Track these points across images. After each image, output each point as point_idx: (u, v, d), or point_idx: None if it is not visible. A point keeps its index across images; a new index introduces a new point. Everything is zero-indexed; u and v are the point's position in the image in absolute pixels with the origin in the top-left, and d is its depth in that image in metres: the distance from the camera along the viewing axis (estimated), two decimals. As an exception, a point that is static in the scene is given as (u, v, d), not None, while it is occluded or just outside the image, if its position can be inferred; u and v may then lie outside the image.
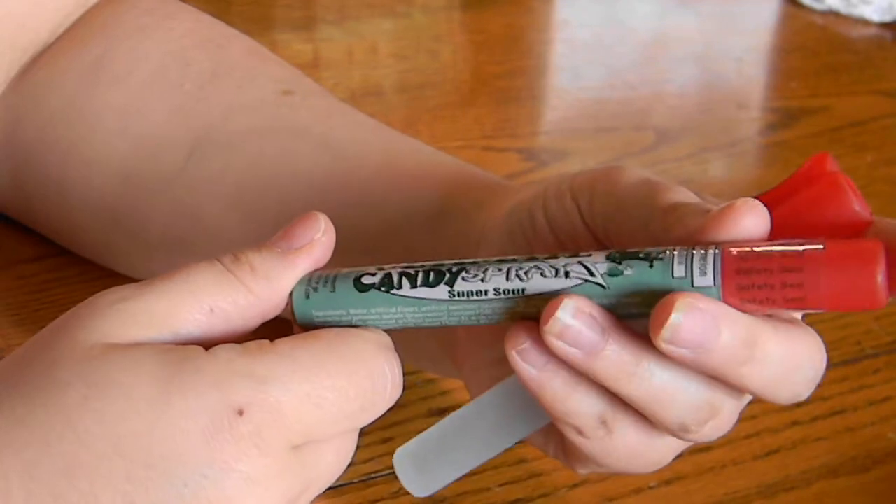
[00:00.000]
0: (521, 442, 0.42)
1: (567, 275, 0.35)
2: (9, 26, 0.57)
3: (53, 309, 0.56)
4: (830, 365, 0.38)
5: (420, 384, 0.52)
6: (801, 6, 0.98)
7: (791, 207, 0.36)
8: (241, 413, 0.32)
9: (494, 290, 0.36)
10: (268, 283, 0.36)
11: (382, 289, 0.37)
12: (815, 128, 0.80)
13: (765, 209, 0.35)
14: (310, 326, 0.37)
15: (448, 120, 0.78)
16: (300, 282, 0.37)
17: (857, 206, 0.35)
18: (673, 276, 0.34)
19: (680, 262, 0.34)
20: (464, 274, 0.36)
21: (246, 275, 0.36)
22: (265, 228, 0.50)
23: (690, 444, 0.39)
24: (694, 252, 0.34)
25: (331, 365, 0.34)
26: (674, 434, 0.37)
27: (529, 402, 0.39)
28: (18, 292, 0.57)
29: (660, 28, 0.99)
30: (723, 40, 0.97)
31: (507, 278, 0.36)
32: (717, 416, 0.37)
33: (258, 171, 0.51)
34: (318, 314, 0.37)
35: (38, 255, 0.59)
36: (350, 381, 0.34)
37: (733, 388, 0.36)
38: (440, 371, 0.50)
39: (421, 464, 0.42)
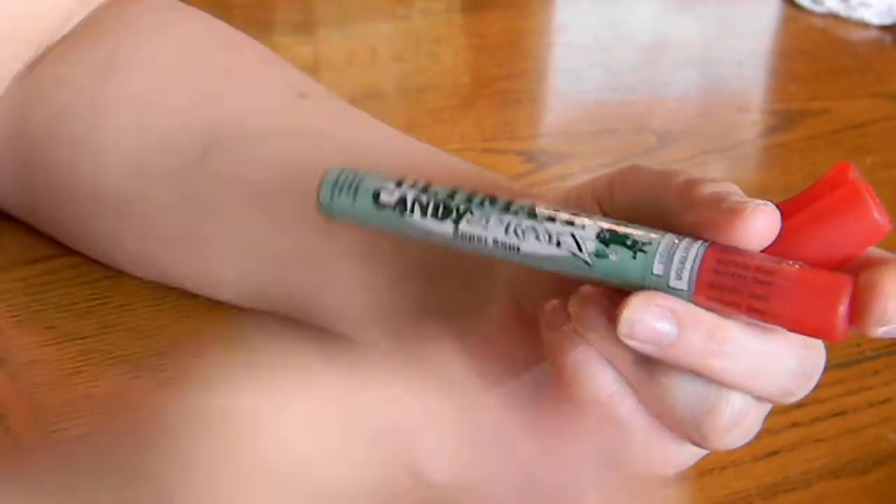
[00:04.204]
0: None
1: (559, 244, 0.37)
2: (9, 18, 0.57)
3: (53, 310, 0.56)
4: (830, 366, 0.38)
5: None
6: (801, 9, 0.98)
7: (810, 214, 0.36)
8: None
9: (493, 240, 0.38)
10: None
11: (396, 210, 0.39)
12: (815, 130, 0.80)
13: (776, 212, 0.35)
14: (333, 219, 0.41)
15: (448, 122, 0.78)
16: (328, 180, 0.41)
17: (877, 216, 0.35)
18: (651, 273, 0.36)
19: (660, 261, 0.36)
20: (468, 216, 0.38)
21: None
22: (284, 227, 0.51)
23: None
24: (676, 251, 0.35)
25: None
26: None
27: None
28: (18, 293, 0.57)
29: (659, 31, 0.99)
30: (722, 43, 0.97)
31: (506, 232, 0.38)
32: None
33: (281, 170, 0.51)
34: (339, 215, 0.41)
35: (38, 257, 0.59)
36: None
37: (712, 381, 0.37)
38: None
39: None
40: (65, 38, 0.58)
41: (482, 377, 0.44)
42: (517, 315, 0.43)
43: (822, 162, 0.76)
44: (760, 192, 0.75)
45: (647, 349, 0.36)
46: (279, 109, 0.54)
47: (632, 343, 0.36)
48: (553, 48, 0.97)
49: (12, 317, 0.55)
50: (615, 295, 0.37)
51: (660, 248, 0.36)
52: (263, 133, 0.53)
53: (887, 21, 0.96)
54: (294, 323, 0.53)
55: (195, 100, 0.55)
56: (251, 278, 0.53)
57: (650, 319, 0.35)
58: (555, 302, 0.39)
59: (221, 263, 0.53)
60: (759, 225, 0.35)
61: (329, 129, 0.53)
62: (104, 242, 0.57)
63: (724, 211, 0.35)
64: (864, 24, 0.96)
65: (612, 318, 0.37)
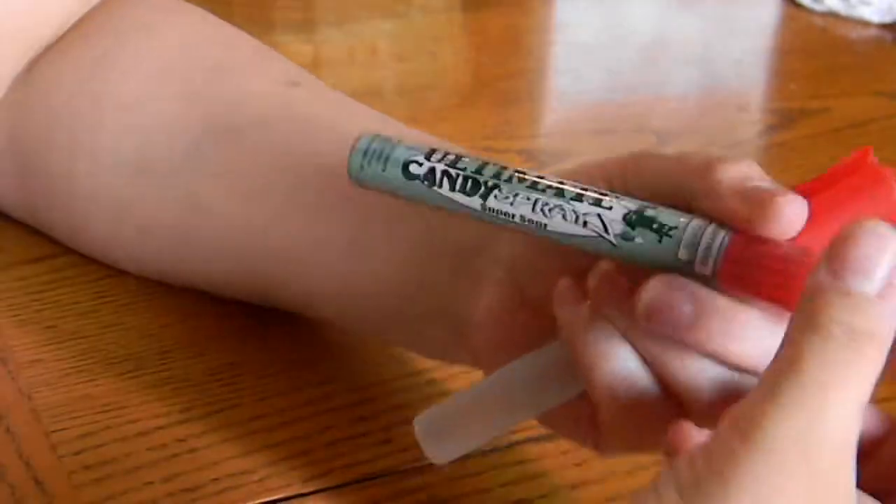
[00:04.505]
0: (548, 416, 0.42)
1: (585, 224, 0.37)
2: (11, 22, 0.57)
3: (55, 310, 0.56)
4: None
5: (420, 385, 0.52)
6: (801, 7, 0.98)
7: (832, 195, 0.36)
8: None
9: (521, 216, 0.38)
10: None
11: (426, 182, 0.39)
12: (815, 129, 0.80)
13: (803, 204, 0.35)
14: (363, 187, 0.41)
15: (448, 121, 0.78)
16: (359, 148, 0.41)
17: None
18: (677, 258, 0.36)
19: (686, 246, 0.36)
20: (496, 192, 0.38)
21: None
22: (276, 215, 0.51)
23: None
24: (702, 238, 0.35)
25: None
26: None
27: (559, 372, 0.39)
28: (19, 293, 0.57)
29: (660, 30, 0.99)
30: (722, 42, 0.97)
31: (533, 210, 0.38)
32: None
33: (268, 157, 0.51)
34: (370, 184, 0.41)
35: (39, 256, 0.59)
36: None
37: (729, 365, 0.37)
38: (452, 359, 0.49)
39: (443, 430, 0.42)
40: (61, 38, 0.58)
41: (479, 360, 0.44)
42: (518, 297, 0.42)
43: (823, 160, 0.76)
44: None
45: (666, 331, 0.36)
46: (269, 99, 0.54)
47: (651, 325, 0.36)
48: (553, 47, 0.97)
49: (13, 316, 0.55)
50: (636, 272, 0.37)
51: (686, 234, 0.36)
52: (253, 123, 0.53)
53: (887, 19, 0.96)
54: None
55: (188, 97, 0.55)
56: (240, 270, 0.53)
57: (670, 302, 0.36)
58: (568, 280, 0.39)
59: (217, 259, 0.53)
60: (788, 218, 0.35)
61: (319, 117, 0.53)
62: (102, 243, 0.57)
63: (751, 204, 0.35)
64: (864, 23, 0.96)
65: (631, 296, 0.37)
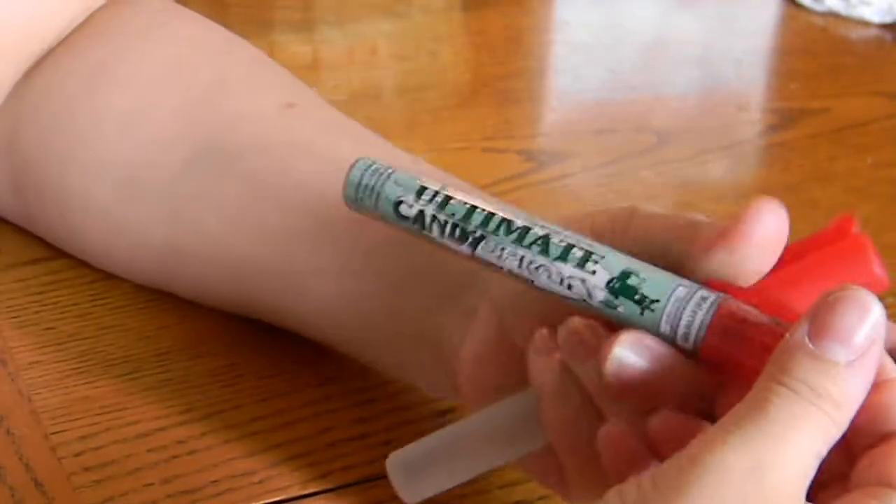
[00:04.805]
0: (519, 461, 0.43)
1: (570, 287, 0.37)
2: (16, 32, 0.57)
3: (54, 311, 0.56)
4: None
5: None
6: (801, 7, 0.98)
7: (811, 263, 0.36)
8: None
9: (508, 270, 0.38)
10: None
11: (416, 224, 0.40)
12: (816, 129, 0.80)
13: (783, 212, 0.35)
14: (360, 213, 0.42)
15: (448, 121, 0.78)
16: (352, 179, 0.41)
17: (878, 271, 0.35)
18: (658, 331, 0.35)
19: (667, 321, 0.35)
20: (483, 244, 0.38)
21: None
22: (267, 240, 0.50)
23: None
24: (684, 314, 0.35)
25: None
26: None
27: (530, 421, 0.39)
28: (18, 294, 0.57)
29: (660, 30, 0.99)
30: (723, 42, 0.97)
31: (520, 265, 0.38)
32: None
33: (259, 183, 0.51)
34: (363, 212, 0.42)
35: (38, 258, 0.59)
36: None
37: None
38: (437, 391, 0.49)
39: (414, 470, 0.42)
40: (63, 41, 0.58)
41: (462, 396, 0.44)
42: (502, 338, 0.42)
43: (823, 160, 0.76)
44: (761, 191, 0.76)
45: (632, 397, 0.36)
46: (263, 121, 0.54)
47: (617, 389, 0.36)
48: (553, 46, 0.97)
49: (12, 318, 0.55)
50: (607, 327, 0.37)
51: (667, 310, 0.35)
52: (244, 147, 0.52)
53: (887, 19, 0.96)
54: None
55: (181, 111, 0.54)
56: (232, 289, 0.52)
57: (637, 367, 0.35)
58: (544, 330, 0.39)
59: (207, 277, 0.53)
60: (770, 224, 0.35)
61: (310, 142, 0.53)
62: (96, 253, 0.57)
63: (726, 228, 0.35)
64: (865, 23, 0.96)
65: (599, 353, 0.36)
